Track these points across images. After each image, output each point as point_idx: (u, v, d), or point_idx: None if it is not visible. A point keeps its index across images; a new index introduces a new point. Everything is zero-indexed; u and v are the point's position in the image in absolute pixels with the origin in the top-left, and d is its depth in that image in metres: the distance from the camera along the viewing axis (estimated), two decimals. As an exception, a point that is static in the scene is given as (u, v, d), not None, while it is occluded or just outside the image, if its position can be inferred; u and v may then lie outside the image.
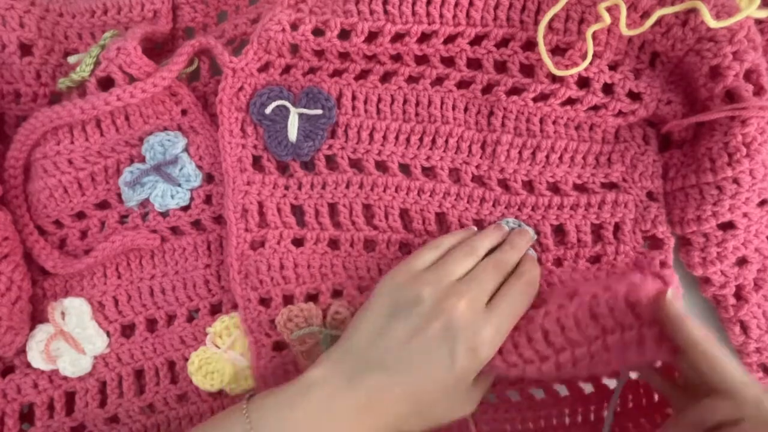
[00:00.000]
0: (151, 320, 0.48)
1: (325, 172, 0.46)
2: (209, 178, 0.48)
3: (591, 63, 0.43)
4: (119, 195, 0.48)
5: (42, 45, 0.48)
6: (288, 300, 0.46)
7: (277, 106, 0.46)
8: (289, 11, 0.43)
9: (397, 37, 0.45)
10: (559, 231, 0.47)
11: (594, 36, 0.42)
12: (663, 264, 0.46)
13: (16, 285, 0.45)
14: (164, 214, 0.48)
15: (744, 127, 0.41)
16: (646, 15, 0.41)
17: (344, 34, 0.44)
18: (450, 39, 0.45)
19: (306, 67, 0.46)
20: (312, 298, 0.46)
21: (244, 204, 0.46)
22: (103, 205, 0.49)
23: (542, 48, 0.42)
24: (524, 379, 0.48)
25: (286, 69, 0.46)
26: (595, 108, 0.45)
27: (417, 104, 0.46)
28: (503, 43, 0.45)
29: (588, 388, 0.46)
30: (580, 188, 0.47)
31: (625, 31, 0.41)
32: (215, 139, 0.47)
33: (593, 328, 0.38)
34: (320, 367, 0.39)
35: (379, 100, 0.46)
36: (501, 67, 0.46)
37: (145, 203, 0.48)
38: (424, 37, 0.45)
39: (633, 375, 0.44)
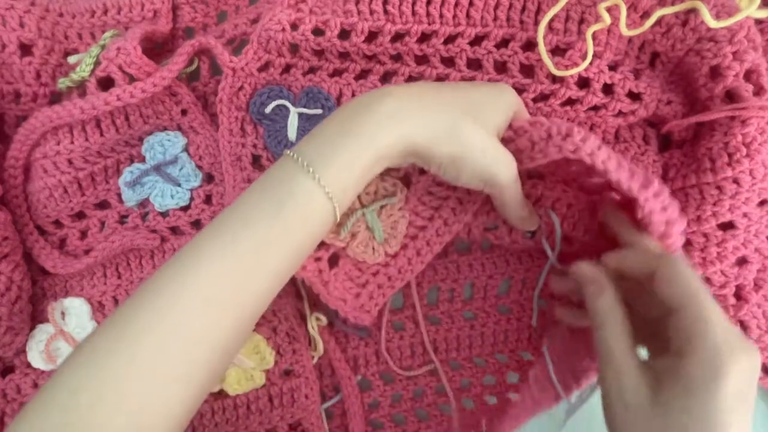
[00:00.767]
0: (151, 320, 0.48)
1: None
2: (209, 178, 0.48)
3: (591, 63, 0.43)
4: (119, 195, 0.48)
5: (42, 45, 0.48)
6: None
7: (277, 106, 0.46)
8: (289, 11, 0.43)
9: (397, 37, 0.45)
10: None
11: (594, 36, 0.42)
12: None
13: (16, 285, 0.45)
14: (164, 214, 0.48)
15: (744, 127, 0.40)
16: (646, 15, 0.41)
17: (344, 34, 0.44)
18: (450, 39, 0.45)
19: (306, 66, 0.46)
20: None
21: None
22: (103, 205, 0.49)
23: (542, 48, 0.42)
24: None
25: (286, 68, 0.46)
26: (595, 108, 0.45)
27: None
28: (503, 43, 0.45)
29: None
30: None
31: (625, 32, 0.41)
32: (215, 139, 0.47)
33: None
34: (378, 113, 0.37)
35: None
36: (501, 67, 0.46)
37: (145, 203, 0.48)
38: (424, 37, 0.45)
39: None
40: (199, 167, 0.47)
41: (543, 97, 0.45)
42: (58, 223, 0.49)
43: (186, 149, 0.47)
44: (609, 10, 0.41)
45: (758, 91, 0.40)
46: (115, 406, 0.31)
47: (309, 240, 0.37)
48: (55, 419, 0.31)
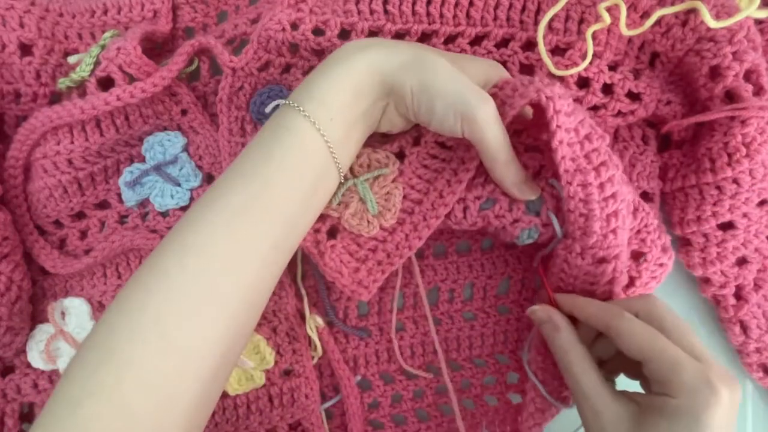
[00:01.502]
0: (151, 320, 0.48)
1: None
2: (209, 178, 0.48)
3: (591, 63, 0.43)
4: (119, 195, 0.48)
5: (42, 45, 0.48)
6: None
7: (277, 105, 0.46)
8: (289, 11, 0.43)
9: (398, 37, 0.45)
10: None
11: (594, 36, 0.42)
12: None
13: (16, 285, 0.45)
14: (164, 214, 0.48)
15: (744, 127, 0.41)
16: (646, 15, 0.41)
17: (344, 34, 0.44)
18: (450, 39, 0.45)
19: (306, 66, 0.46)
20: None
21: None
22: (103, 205, 0.49)
23: (542, 48, 0.42)
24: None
25: (287, 68, 0.46)
26: (595, 108, 0.45)
27: None
28: (503, 43, 0.45)
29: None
30: None
31: (625, 31, 0.41)
32: (215, 139, 0.47)
33: None
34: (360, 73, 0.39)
35: None
36: (501, 67, 0.46)
37: (144, 203, 0.48)
38: (424, 37, 0.45)
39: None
40: (199, 167, 0.47)
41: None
42: (58, 223, 0.49)
43: (186, 149, 0.47)
44: (609, 10, 0.41)
45: (758, 91, 0.40)
46: (156, 338, 0.32)
47: (310, 173, 0.38)
48: (97, 354, 0.32)
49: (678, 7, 0.40)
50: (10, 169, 0.47)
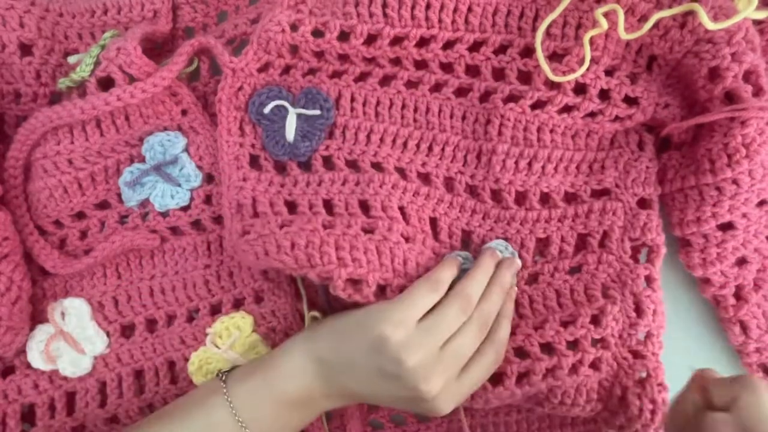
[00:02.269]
0: (151, 320, 0.48)
1: (322, 170, 0.46)
2: (209, 178, 0.48)
3: (588, 69, 0.43)
4: (119, 195, 0.48)
5: (42, 45, 0.48)
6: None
7: (276, 106, 0.46)
8: (289, 12, 0.43)
9: (396, 41, 0.45)
10: (546, 243, 0.47)
11: (592, 41, 0.42)
12: (648, 279, 0.45)
13: (16, 285, 0.45)
14: (164, 214, 0.48)
15: (743, 128, 0.41)
16: (643, 18, 0.41)
17: (343, 36, 0.44)
18: (449, 44, 0.45)
19: (305, 68, 0.46)
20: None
21: (239, 199, 0.45)
22: (103, 205, 0.49)
23: (540, 54, 0.42)
24: None
25: (286, 69, 0.47)
26: (593, 114, 0.45)
27: (415, 110, 0.46)
28: (501, 49, 0.45)
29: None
30: (570, 197, 0.47)
31: (624, 36, 0.41)
32: (215, 139, 0.47)
33: None
34: (296, 359, 0.42)
35: (378, 103, 0.46)
36: (499, 74, 0.46)
37: (145, 203, 0.48)
38: (423, 42, 0.45)
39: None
40: (200, 167, 0.47)
41: (540, 104, 0.45)
42: (58, 223, 0.49)
43: (186, 149, 0.47)
44: (606, 15, 0.41)
45: (757, 92, 0.41)
46: None
47: None
48: None
49: (676, 10, 0.40)
50: (10, 169, 0.47)
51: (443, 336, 0.40)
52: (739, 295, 0.47)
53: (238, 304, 0.48)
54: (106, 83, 0.45)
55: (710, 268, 0.46)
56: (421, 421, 0.49)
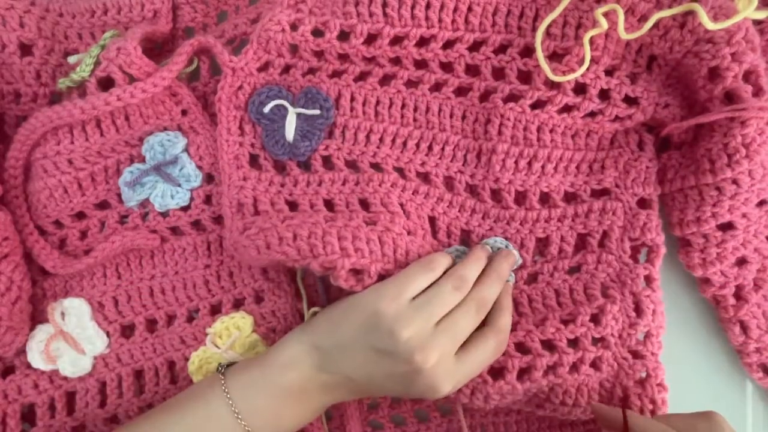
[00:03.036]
0: (151, 320, 0.48)
1: (321, 170, 0.46)
2: (209, 178, 0.48)
3: (588, 68, 0.43)
4: (119, 195, 0.48)
5: (42, 45, 0.48)
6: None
7: (276, 106, 0.46)
8: (289, 11, 0.43)
9: (396, 40, 0.45)
10: (541, 242, 0.47)
11: (592, 41, 0.42)
12: (648, 279, 0.45)
13: (16, 285, 0.45)
14: (164, 214, 0.48)
15: (743, 128, 0.41)
16: (643, 18, 0.41)
17: (343, 36, 0.44)
18: (449, 44, 0.45)
19: (305, 67, 0.46)
20: None
21: (239, 198, 0.45)
22: (103, 205, 0.49)
23: (540, 54, 0.42)
24: None
25: (286, 69, 0.47)
26: (592, 114, 0.45)
27: (415, 109, 0.46)
28: (501, 49, 0.45)
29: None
30: (570, 197, 0.47)
31: (624, 35, 0.41)
32: (215, 139, 0.47)
33: None
34: (292, 350, 0.42)
35: (378, 102, 0.46)
36: (499, 73, 0.46)
37: (145, 203, 0.48)
38: (423, 41, 0.45)
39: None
40: (200, 167, 0.47)
41: (540, 104, 0.45)
42: (58, 223, 0.49)
43: (186, 149, 0.47)
44: (606, 15, 0.41)
45: (757, 92, 0.41)
46: None
47: None
48: None
49: (676, 10, 0.40)
50: (10, 169, 0.47)
51: (437, 312, 0.40)
52: (739, 295, 0.47)
53: (238, 304, 0.48)
54: (106, 83, 0.45)
55: (710, 268, 0.46)
56: (421, 421, 0.49)
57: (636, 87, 0.44)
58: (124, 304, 0.48)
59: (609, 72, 0.44)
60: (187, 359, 0.47)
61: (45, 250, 0.48)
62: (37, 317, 0.48)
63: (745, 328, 0.47)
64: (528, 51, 0.44)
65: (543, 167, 0.46)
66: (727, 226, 0.44)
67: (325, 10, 0.44)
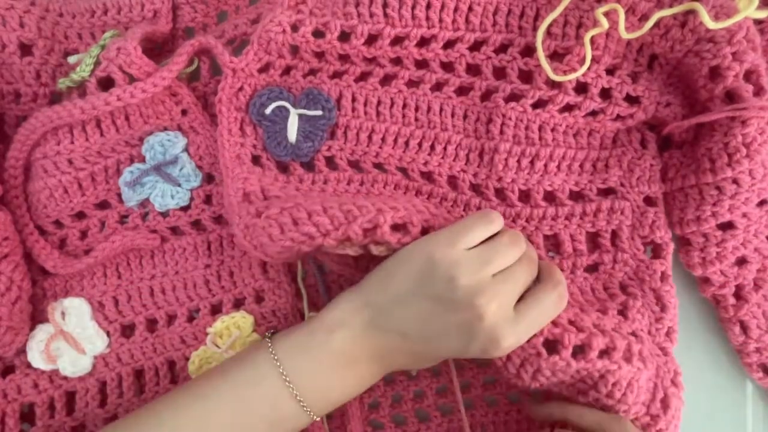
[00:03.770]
0: (151, 320, 0.48)
1: (326, 170, 0.46)
2: (209, 178, 0.48)
3: (589, 68, 0.43)
4: (119, 195, 0.48)
5: (42, 45, 0.48)
6: None
7: (277, 107, 0.46)
8: (290, 12, 0.43)
9: (397, 41, 0.45)
10: (554, 241, 0.47)
11: (592, 41, 0.42)
12: (663, 276, 0.45)
13: (16, 285, 0.45)
14: (164, 214, 0.48)
15: (744, 127, 0.41)
16: (644, 18, 0.41)
17: (344, 36, 0.44)
18: (449, 44, 0.45)
19: (306, 68, 0.46)
20: None
21: (245, 188, 0.43)
22: (103, 205, 0.49)
23: (541, 54, 0.42)
24: None
25: (287, 70, 0.47)
26: (594, 113, 0.45)
27: (417, 109, 0.46)
28: (502, 49, 0.45)
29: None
30: (576, 196, 0.47)
31: (625, 35, 0.41)
32: (215, 139, 0.47)
33: None
34: (341, 310, 0.40)
35: (379, 102, 0.46)
36: (500, 73, 0.46)
37: (145, 203, 0.48)
38: (423, 41, 0.45)
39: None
40: (200, 167, 0.47)
41: (541, 104, 0.45)
42: (58, 223, 0.49)
43: (186, 149, 0.47)
44: (607, 14, 0.41)
45: (758, 92, 0.41)
46: None
47: (276, 424, 0.40)
48: None
49: (676, 9, 0.40)
50: (10, 169, 0.47)
51: (496, 263, 0.38)
52: (739, 295, 0.47)
53: (238, 304, 0.48)
54: (106, 83, 0.45)
55: (710, 268, 0.46)
56: (421, 420, 0.49)
57: (637, 86, 0.44)
58: (124, 303, 0.48)
59: (610, 71, 0.44)
60: (187, 359, 0.47)
61: (45, 250, 0.48)
62: (37, 317, 0.48)
63: (745, 328, 0.47)
64: (529, 50, 0.44)
65: (546, 166, 0.46)
66: (727, 226, 0.44)
67: (326, 11, 0.44)
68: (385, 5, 0.43)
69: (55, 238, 0.49)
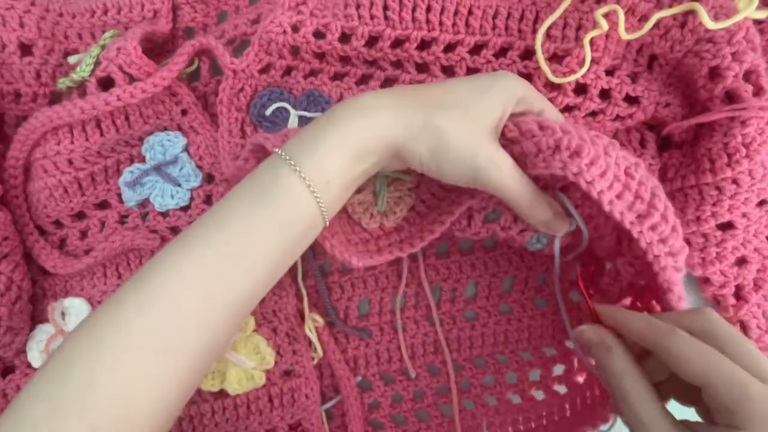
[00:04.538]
0: (151, 320, 0.48)
1: None
2: (209, 178, 0.48)
3: (588, 69, 0.43)
4: (119, 195, 0.48)
5: (42, 45, 0.48)
6: None
7: (278, 108, 0.46)
8: (290, 13, 0.43)
9: (398, 43, 0.45)
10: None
11: (592, 42, 0.42)
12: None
13: (16, 285, 0.45)
14: (164, 214, 0.48)
15: (744, 127, 0.41)
16: (644, 18, 0.41)
17: (345, 38, 0.44)
18: (450, 47, 0.45)
19: (307, 69, 0.46)
20: None
21: (247, 168, 0.42)
22: (103, 205, 0.49)
23: (540, 57, 0.42)
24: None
25: (287, 71, 0.47)
26: (593, 114, 0.45)
27: None
28: (502, 52, 0.45)
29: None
30: None
31: (625, 36, 0.41)
32: (215, 139, 0.47)
33: None
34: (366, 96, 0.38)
35: None
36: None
37: (145, 203, 0.48)
38: (424, 44, 0.45)
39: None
40: (200, 167, 0.47)
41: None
42: (58, 223, 0.49)
43: (186, 149, 0.47)
44: (606, 15, 0.41)
45: (758, 92, 0.41)
46: (104, 390, 0.31)
47: (295, 232, 0.36)
48: (44, 407, 0.31)
49: (676, 9, 0.40)
50: (10, 169, 0.47)
51: None
52: (739, 295, 0.47)
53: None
54: (106, 83, 0.45)
55: (710, 268, 0.46)
56: (421, 420, 0.49)
57: (637, 86, 0.44)
58: (124, 304, 0.48)
59: (609, 72, 0.44)
60: (187, 359, 0.47)
61: (45, 250, 0.48)
62: (37, 317, 0.48)
63: (745, 328, 0.47)
64: (528, 53, 0.44)
65: None
66: (727, 226, 0.44)
67: (326, 12, 0.44)
68: (385, 7, 0.43)
69: (55, 238, 0.49)
